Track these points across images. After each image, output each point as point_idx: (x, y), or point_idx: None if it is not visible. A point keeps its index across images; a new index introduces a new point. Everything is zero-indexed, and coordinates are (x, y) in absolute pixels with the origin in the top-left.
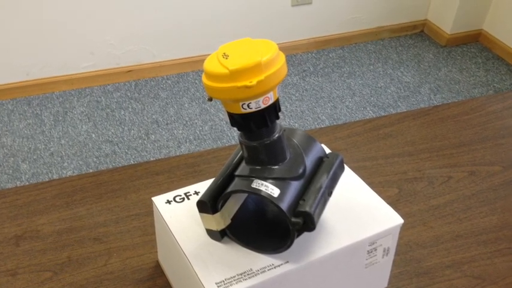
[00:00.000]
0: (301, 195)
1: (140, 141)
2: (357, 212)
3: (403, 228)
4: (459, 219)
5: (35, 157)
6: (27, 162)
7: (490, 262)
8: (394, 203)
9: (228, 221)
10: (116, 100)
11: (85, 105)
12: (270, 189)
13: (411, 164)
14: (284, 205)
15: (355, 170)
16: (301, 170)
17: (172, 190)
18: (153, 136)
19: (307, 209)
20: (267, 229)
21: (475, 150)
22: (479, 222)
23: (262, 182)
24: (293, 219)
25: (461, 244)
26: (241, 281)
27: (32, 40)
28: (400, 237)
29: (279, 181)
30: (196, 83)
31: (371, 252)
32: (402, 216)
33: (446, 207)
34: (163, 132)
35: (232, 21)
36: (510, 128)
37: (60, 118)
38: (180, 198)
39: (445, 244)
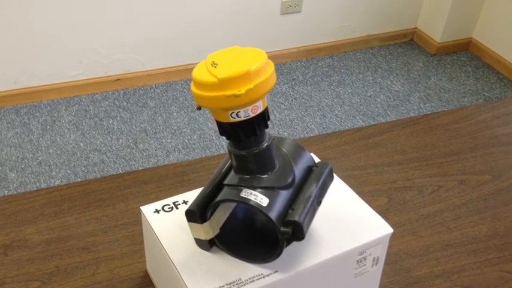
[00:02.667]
0: (290, 204)
1: (128, 150)
2: (346, 222)
3: (393, 237)
4: (449, 229)
5: (22, 166)
6: (15, 171)
7: (480, 272)
8: (383, 212)
9: (217, 231)
10: (104, 109)
11: (73, 114)
12: (259, 198)
13: (401, 173)
14: (273, 214)
15: (344, 179)
16: (290, 179)
17: (161, 199)
18: (142, 145)
19: (296, 218)
20: (256, 238)
21: (465, 159)
22: (469, 232)
23: (251, 191)
24: (282, 229)
25: (451, 253)
26: None
27: (19, 48)
28: (389, 247)
29: (268, 190)
30: (184, 92)
31: (360, 261)
32: (392, 225)
33: (436, 216)
34: (152, 141)
35: (221, 30)
36: (500, 137)
37: (48, 127)
38: (168, 208)
39: (434, 253)
